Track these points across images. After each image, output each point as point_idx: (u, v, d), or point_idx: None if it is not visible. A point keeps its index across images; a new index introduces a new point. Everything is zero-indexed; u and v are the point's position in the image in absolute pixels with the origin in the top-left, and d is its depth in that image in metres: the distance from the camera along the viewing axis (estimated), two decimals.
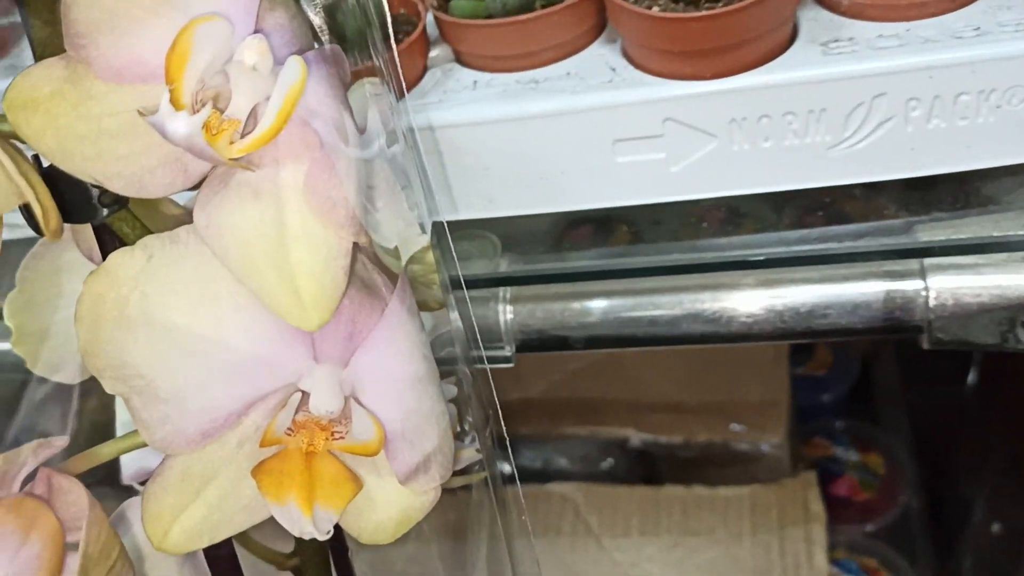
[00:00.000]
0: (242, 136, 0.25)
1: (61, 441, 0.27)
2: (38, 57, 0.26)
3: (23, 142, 0.26)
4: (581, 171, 0.44)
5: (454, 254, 0.35)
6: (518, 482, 0.37)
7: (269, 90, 0.25)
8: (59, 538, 0.26)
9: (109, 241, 0.28)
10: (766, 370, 0.67)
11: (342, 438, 0.26)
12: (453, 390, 0.32)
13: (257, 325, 0.26)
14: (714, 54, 0.40)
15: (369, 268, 0.27)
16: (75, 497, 0.26)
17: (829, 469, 0.71)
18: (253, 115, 0.25)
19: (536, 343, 0.46)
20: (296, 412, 0.26)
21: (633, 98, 0.42)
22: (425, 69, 0.45)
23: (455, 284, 0.34)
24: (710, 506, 0.61)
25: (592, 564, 0.58)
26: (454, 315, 0.35)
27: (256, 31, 0.26)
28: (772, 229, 0.44)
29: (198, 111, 0.24)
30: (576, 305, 0.47)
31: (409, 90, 0.45)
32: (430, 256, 0.32)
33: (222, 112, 0.25)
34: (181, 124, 0.23)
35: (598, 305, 0.47)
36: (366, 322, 0.27)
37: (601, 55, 0.44)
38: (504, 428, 0.35)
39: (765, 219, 0.45)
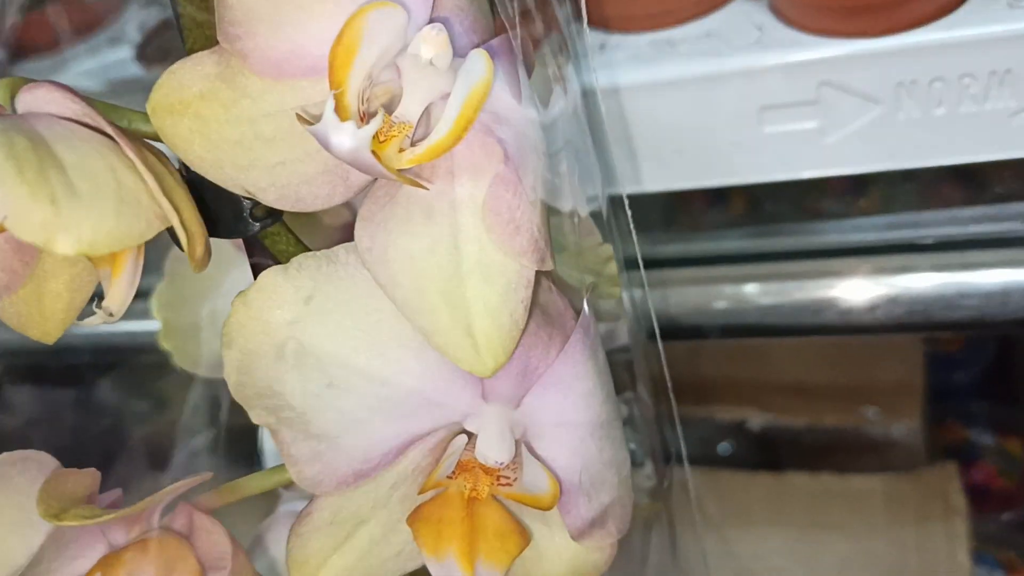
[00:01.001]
0: (413, 143, 0.22)
1: (204, 476, 0.25)
2: (188, 48, 0.24)
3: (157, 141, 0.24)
4: (723, 143, 0.39)
5: (632, 229, 0.31)
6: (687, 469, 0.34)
7: (446, 87, 0.22)
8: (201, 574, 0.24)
9: (260, 256, 0.26)
10: (899, 347, 0.62)
11: (509, 484, 0.24)
12: (624, 409, 0.29)
13: (422, 360, 0.23)
14: (880, 8, 0.36)
15: (549, 291, 0.24)
16: (217, 538, 0.24)
17: (963, 454, 0.65)
18: (426, 117, 0.22)
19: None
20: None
21: (783, 60, 0.38)
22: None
23: (630, 264, 0.31)
24: (840, 497, 0.57)
25: (710, 555, 0.54)
26: (626, 296, 0.31)
27: (433, 18, 0.23)
28: (943, 206, 0.40)
29: (365, 119, 0.21)
30: (704, 291, 0.43)
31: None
32: (612, 267, 0.29)
33: (391, 113, 0.22)
34: (347, 137, 0.20)
35: (733, 291, 0.43)
36: (543, 356, 0.24)
37: (746, 12, 0.40)
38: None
39: (928, 195, 0.40)
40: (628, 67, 0.40)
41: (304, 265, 0.23)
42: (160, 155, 0.23)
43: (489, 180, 0.22)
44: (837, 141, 0.38)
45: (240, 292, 0.23)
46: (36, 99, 0.23)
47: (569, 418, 0.24)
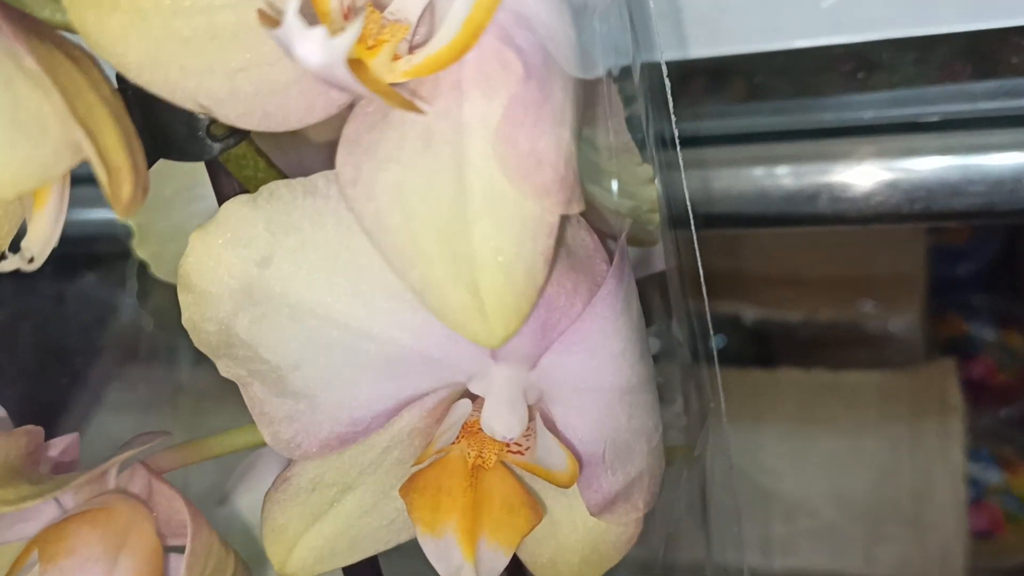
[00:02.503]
0: (410, 49, 0.17)
1: (163, 437, 0.22)
2: None
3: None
4: (706, 7, 0.35)
5: (670, 102, 0.27)
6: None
7: None
8: (158, 549, 0.22)
9: (225, 181, 0.21)
10: (899, 239, 0.60)
11: (520, 453, 0.21)
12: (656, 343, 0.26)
13: (417, 311, 0.19)
14: None
15: (576, 226, 0.20)
16: (177, 506, 0.22)
17: (963, 348, 0.64)
18: (429, 12, 0.18)
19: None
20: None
21: None
22: None
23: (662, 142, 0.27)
24: (833, 392, 0.56)
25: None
26: (657, 182, 0.28)
27: None
28: (950, 81, 0.36)
29: (349, 15, 0.17)
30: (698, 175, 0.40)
31: None
32: (652, 191, 0.25)
33: (382, 10, 0.17)
34: (316, 48, 0.16)
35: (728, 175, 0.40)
36: (567, 308, 0.20)
37: None
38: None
39: (931, 69, 0.36)
40: None
41: (276, 195, 0.20)
42: (82, 59, 0.18)
43: (504, 100, 0.18)
44: (834, 4, 0.35)
45: (199, 226, 0.20)
46: None
47: (594, 383, 0.21)
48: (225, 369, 0.21)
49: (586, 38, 0.24)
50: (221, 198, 0.21)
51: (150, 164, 0.20)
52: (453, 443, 0.21)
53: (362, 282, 0.20)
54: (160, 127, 0.20)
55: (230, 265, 0.20)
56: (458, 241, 0.18)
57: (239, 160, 0.21)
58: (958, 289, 0.66)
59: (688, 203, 0.29)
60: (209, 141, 0.20)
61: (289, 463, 0.22)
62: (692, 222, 0.30)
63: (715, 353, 0.34)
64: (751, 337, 0.62)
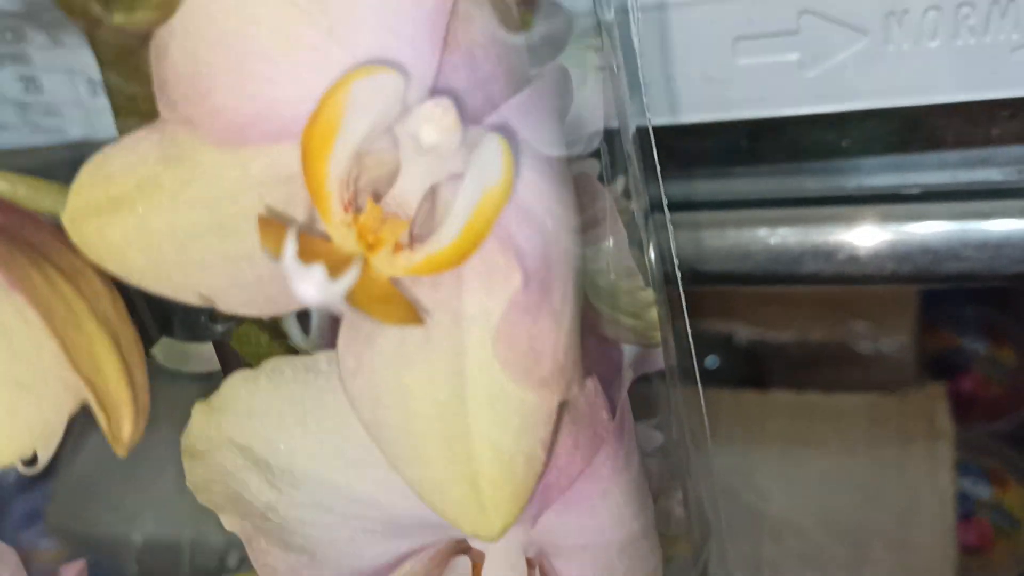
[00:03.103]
0: (412, 239, 0.18)
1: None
2: (121, 128, 0.20)
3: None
4: (693, 77, 0.36)
5: (658, 170, 0.28)
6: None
7: (456, 167, 0.18)
8: None
9: (230, 355, 0.23)
10: None
11: None
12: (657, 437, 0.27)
13: None
14: None
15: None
16: None
17: (954, 362, 0.64)
18: (430, 202, 0.19)
19: None
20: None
21: None
22: None
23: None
24: (824, 415, 0.57)
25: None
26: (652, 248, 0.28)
27: (443, 66, 0.18)
28: (930, 149, 0.37)
29: (352, 206, 0.18)
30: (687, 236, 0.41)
31: None
32: (653, 314, 0.26)
33: (380, 198, 0.18)
34: (312, 288, 0.16)
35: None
36: (567, 465, 0.21)
37: None
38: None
39: (919, 136, 0.37)
40: None
41: (278, 371, 0.21)
42: (79, 273, 0.19)
43: (504, 303, 0.19)
44: (819, 75, 0.35)
45: (201, 400, 0.21)
46: None
47: (595, 539, 0.21)
48: (230, 524, 0.22)
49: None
50: (226, 370, 0.22)
51: (153, 343, 0.21)
52: None
53: (364, 454, 0.20)
54: (162, 310, 0.22)
55: (234, 436, 0.21)
56: (457, 440, 0.19)
57: (241, 338, 0.22)
58: (950, 303, 0.66)
59: (676, 264, 0.30)
60: (212, 324, 0.22)
61: None
62: (680, 282, 0.31)
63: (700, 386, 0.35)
64: (744, 357, 0.63)
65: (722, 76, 0.36)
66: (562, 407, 0.20)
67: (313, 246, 0.18)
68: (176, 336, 0.22)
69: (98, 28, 0.18)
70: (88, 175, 0.18)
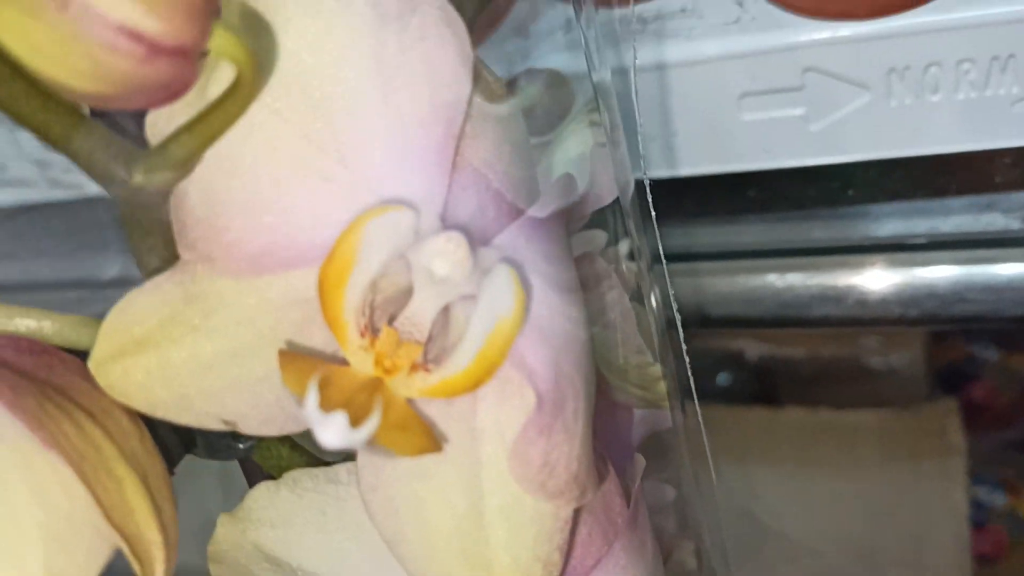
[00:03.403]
0: (426, 359, 0.19)
1: None
2: (145, 271, 0.21)
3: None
4: (697, 132, 0.37)
5: (655, 226, 0.28)
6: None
7: (468, 289, 0.19)
8: None
9: (253, 468, 0.24)
10: None
11: None
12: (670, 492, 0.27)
13: None
14: None
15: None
16: None
17: (964, 372, 0.65)
18: (443, 321, 0.20)
19: None
20: None
21: (766, 44, 0.35)
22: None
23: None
24: (835, 432, 0.57)
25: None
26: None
27: (452, 188, 0.19)
28: (935, 197, 0.37)
29: (368, 331, 0.19)
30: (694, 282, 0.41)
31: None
32: (661, 387, 0.27)
33: (395, 318, 0.19)
34: (336, 437, 0.17)
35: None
36: (583, 556, 0.21)
37: None
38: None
39: (924, 184, 0.37)
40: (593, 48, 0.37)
41: (299, 482, 0.22)
42: (106, 414, 0.20)
43: (518, 422, 0.19)
44: (823, 129, 0.36)
45: (226, 513, 0.22)
46: None
47: None
48: None
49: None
50: (250, 480, 0.24)
51: (178, 461, 0.22)
52: None
53: (384, 562, 0.21)
54: (187, 430, 0.22)
55: (259, 543, 0.22)
56: (476, 551, 0.20)
57: (263, 452, 0.23)
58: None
59: (677, 313, 0.31)
60: (235, 443, 0.23)
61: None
62: (680, 330, 0.32)
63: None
64: (755, 375, 0.63)
65: (729, 130, 0.37)
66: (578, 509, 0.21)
67: (334, 381, 0.18)
68: (199, 455, 0.23)
69: (120, 187, 0.19)
70: (113, 321, 0.20)
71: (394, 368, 0.19)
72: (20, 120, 0.17)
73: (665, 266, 0.31)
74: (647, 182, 0.29)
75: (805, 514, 0.57)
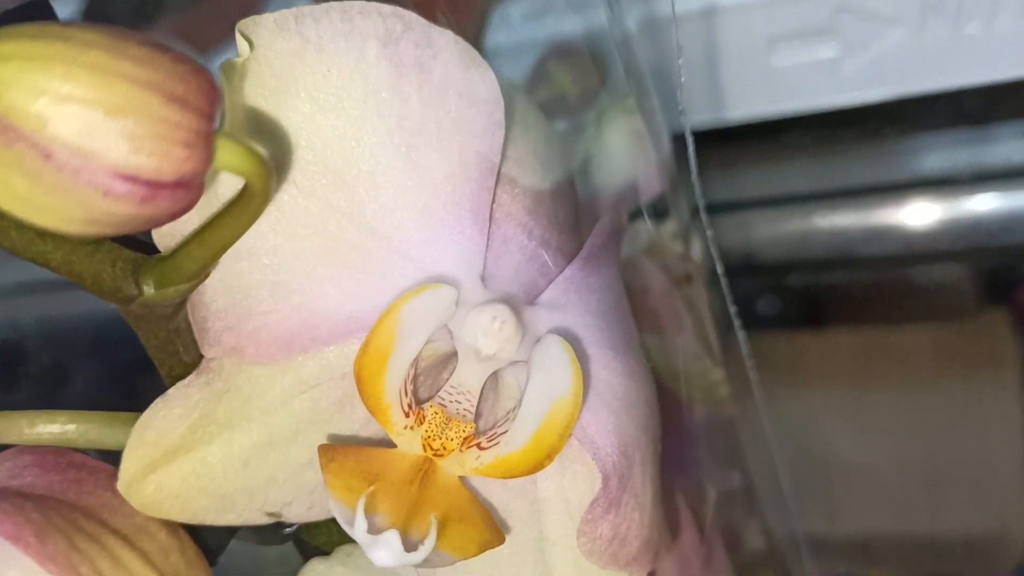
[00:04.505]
0: (476, 432, 0.18)
1: None
2: (169, 380, 0.20)
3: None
4: (727, 79, 0.36)
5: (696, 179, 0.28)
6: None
7: (518, 355, 0.18)
8: None
9: (305, 545, 0.24)
10: None
11: None
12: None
13: None
14: None
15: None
16: None
17: (1012, 279, 0.64)
18: (493, 385, 0.19)
19: None
20: None
21: None
22: None
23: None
24: (885, 351, 0.57)
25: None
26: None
27: (491, 240, 0.18)
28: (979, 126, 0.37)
29: (412, 410, 0.18)
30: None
31: None
32: (723, 390, 0.27)
33: (438, 389, 0.19)
34: (390, 557, 0.17)
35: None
36: None
37: None
38: None
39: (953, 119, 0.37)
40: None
41: (352, 555, 0.22)
42: (140, 530, 0.20)
43: (583, 493, 0.19)
44: (857, 69, 0.35)
45: None
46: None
47: None
48: None
49: None
50: (303, 554, 0.24)
51: (221, 553, 0.22)
52: None
53: None
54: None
55: None
56: None
57: (312, 530, 0.23)
58: None
59: (718, 261, 0.31)
60: (280, 529, 0.23)
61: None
62: (725, 282, 0.32)
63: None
64: (801, 299, 0.63)
65: (761, 76, 0.36)
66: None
67: (383, 492, 0.18)
68: (245, 539, 0.23)
69: (131, 303, 0.18)
70: (138, 437, 0.19)
71: (444, 450, 0.18)
72: (14, 251, 0.17)
73: (705, 215, 0.31)
74: (689, 137, 0.29)
75: (861, 437, 0.57)
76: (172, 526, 0.20)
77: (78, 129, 0.14)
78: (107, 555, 0.19)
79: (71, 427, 0.20)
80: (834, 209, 0.41)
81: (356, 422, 0.20)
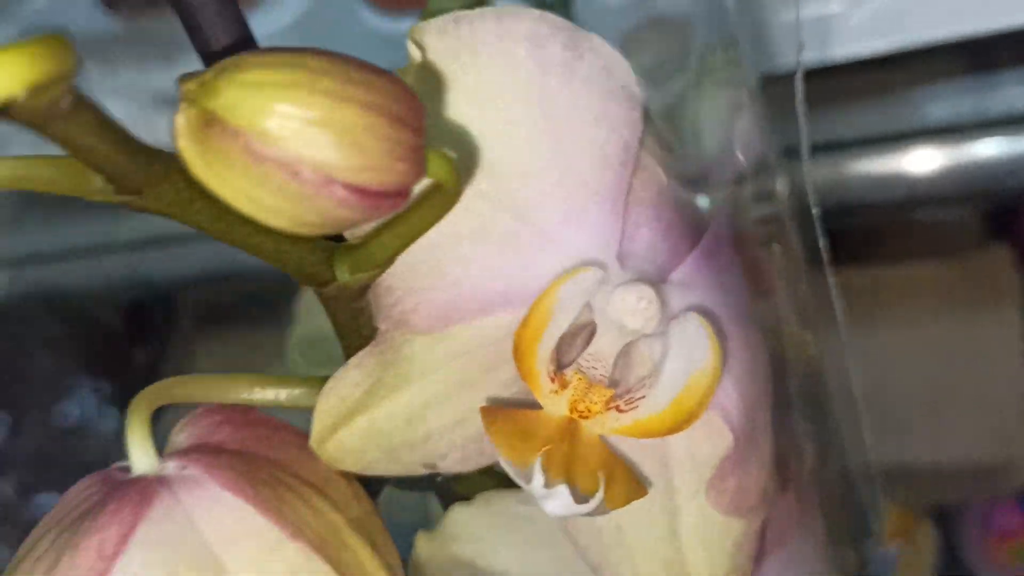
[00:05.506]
0: (615, 393, 0.21)
1: None
2: (349, 353, 0.23)
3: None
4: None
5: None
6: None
7: (652, 330, 0.21)
8: None
9: (448, 492, 0.26)
10: None
11: None
12: None
13: None
14: None
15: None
16: None
17: (1014, 213, 0.67)
18: (626, 353, 0.21)
19: None
20: None
21: None
22: None
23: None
24: (888, 287, 0.60)
25: None
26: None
27: (626, 223, 0.21)
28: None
29: (557, 378, 0.21)
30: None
31: None
32: (812, 350, 0.29)
33: (576, 357, 0.21)
34: (562, 507, 0.20)
35: None
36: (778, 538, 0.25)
37: None
38: None
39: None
40: None
41: (492, 502, 0.25)
42: (327, 484, 0.22)
43: (713, 454, 0.22)
44: (863, 19, 0.37)
45: (424, 531, 0.25)
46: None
47: None
48: None
49: None
50: (445, 504, 0.27)
51: (380, 492, 0.24)
52: None
53: (571, 561, 0.24)
54: None
55: (456, 556, 0.25)
56: (674, 568, 0.22)
57: (459, 479, 0.26)
58: None
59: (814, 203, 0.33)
60: (436, 478, 0.25)
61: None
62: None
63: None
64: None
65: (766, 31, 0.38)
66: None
67: (554, 453, 0.21)
68: (400, 487, 0.26)
69: (327, 287, 0.21)
70: (324, 403, 0.22)
71: (589, 412, 0.21)
72: (233, 243, 0.19)
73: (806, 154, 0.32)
74: (800, 77, 0.31)
75: (866, 370, 0.61)
76: (350, 478, 0.23)
77: (318, 149, 0.16)
78: (308, 506, 0.21)
79: (284, 392, 0.23)
80: (846, 157, 0.43)
81: (500, 385, 0.22)
